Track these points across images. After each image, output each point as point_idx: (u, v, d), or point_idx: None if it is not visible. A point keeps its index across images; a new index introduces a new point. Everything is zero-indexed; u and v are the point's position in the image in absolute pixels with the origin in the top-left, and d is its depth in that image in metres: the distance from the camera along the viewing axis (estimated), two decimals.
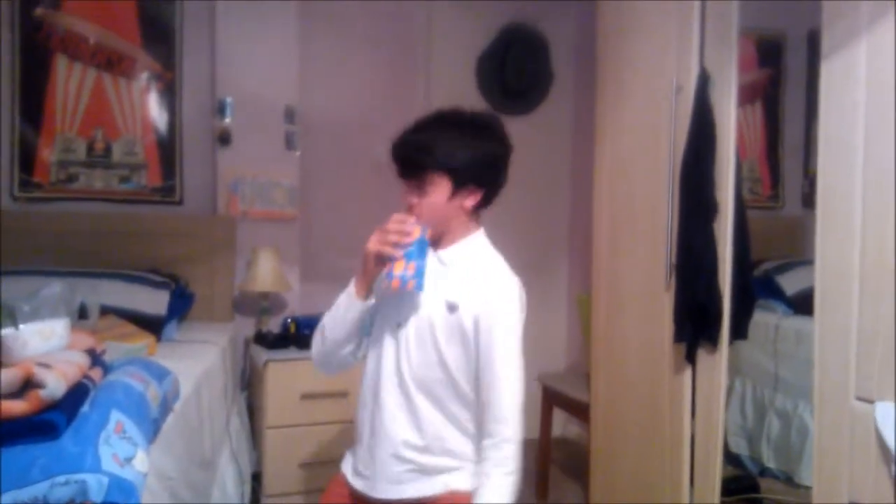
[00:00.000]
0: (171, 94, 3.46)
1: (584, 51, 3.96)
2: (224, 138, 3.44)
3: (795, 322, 2.63)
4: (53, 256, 3.06)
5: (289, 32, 3.52)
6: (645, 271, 2.47)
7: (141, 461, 1.35)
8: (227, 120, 3.44)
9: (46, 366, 1.34)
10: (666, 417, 2.38)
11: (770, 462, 2.66)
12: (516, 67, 4.11)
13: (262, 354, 3.08)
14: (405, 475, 1.65)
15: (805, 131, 2.91)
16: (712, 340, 2.18)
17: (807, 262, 1.83)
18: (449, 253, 1.69)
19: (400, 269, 1.57)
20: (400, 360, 1.66)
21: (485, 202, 1.69)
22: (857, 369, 1.67)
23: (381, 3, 3.81)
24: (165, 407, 1.78)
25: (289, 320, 3.27)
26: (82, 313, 2.52)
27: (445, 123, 1.65)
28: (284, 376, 3.02)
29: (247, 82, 3.46)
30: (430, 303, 1.65)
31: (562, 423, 4.08)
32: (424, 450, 1.64)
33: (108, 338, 2.19)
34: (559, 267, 4.27)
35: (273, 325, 3.40)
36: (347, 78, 3.76)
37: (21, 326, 1.53)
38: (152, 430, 1.59)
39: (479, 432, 1.63)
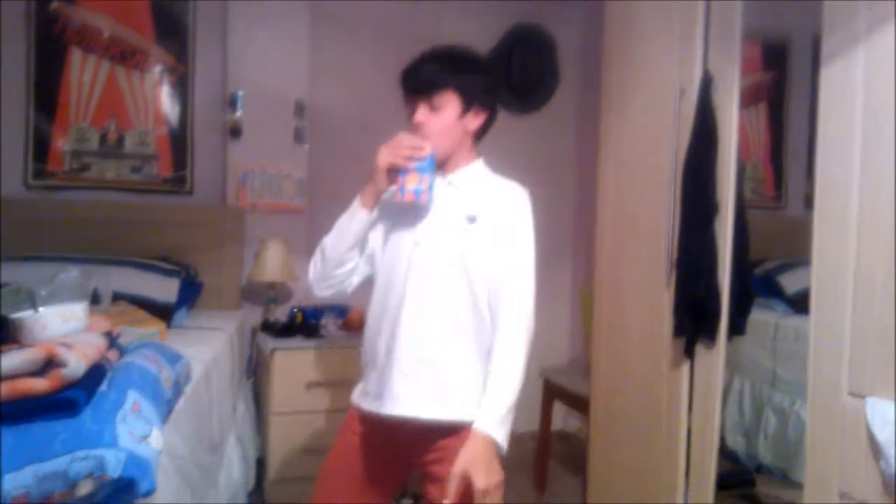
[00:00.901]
0: (183, 87, 3.52)
1: (590, 52, 4.00)
2: (235, 131, 3.49)
3: (795, 321, 2.67)
4: (66, 244, 3.12)
5: (300, 28, 3.57)
6: (646, 267, 2.52)
7: (156, 439, 1.40)
8: (238, 113, 3.50)
9: (68, 346, 1.39)
10: (664, 411, 2.43)
11: (766, 458, 2.70)
12: (522, 66, 4.16)
13: (268, 343, 3.13)
14: (418, 395, 1.66)
15: (809, 132, 2.96)
16: (710, 336, 2.22)
17: (808, 262, 1.86)
18: (457, 176, 1.75)
19: (414, 183, 1.63)
20: (421, 279, 1.68)
21: (484, 128, 1.77)
22: (850, 366, 1.72)
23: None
24: (177, 389, 1.83)
25: (295, 310, 3.32)
26: (94, 299, 2.57)
27: (453, 50, 1.74)
28: (290, 364, 3.08)
29: (258, 76, 3.51)
30: (449, 219, 1.69)
31: (562, 417, 4.12)
32: (439, 372, 1.66)
33: (119, 323, 2.24)
34: (564, 262, 4.32)
35: (280, 315, 3.46)
36: (356, 73, 3.80)
37: (41, 309, 1.58)
38: (165, 410, 1.65)
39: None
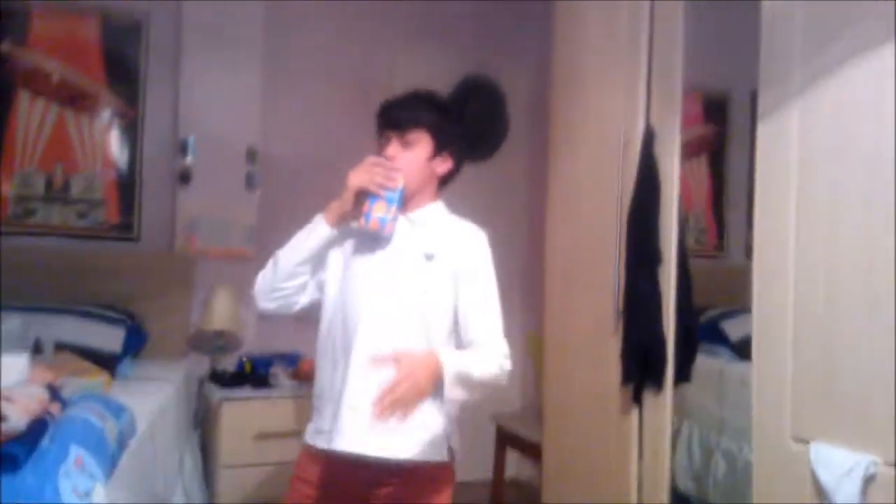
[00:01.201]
0: (132, 132, 3.48)
1: (539, 104, 4.10)
2: (185, 177, 3.46)
3: (739, 367, 2.72)
4: (7, 292, 3.01)
5: (253, 73, 3.58)
6: (594, 315, 2.56)
7: (99, 495, 1.36)
8: (189, 158, 3.47)
9: (8, 399, 1.35)
10: (614, 458, 2.45)
11: (717, 503, 2.73)
12: (474, 115, 4.23)
13: (216, 393, 3.07)
14: (365, 431, 1.60)
15: (748, 184, 3.07)
16: (658, 383, 2.27)
17: (750, 309, 1.92)
18: (417, 214, 1.76)
19: (381, 212, 1.64)
20: (375, 311, 1.67)
21: (450, 176, 1.82)
22: (793, 411, 1.77)
23: (346, 47, 3.90)
24: (122, 443, 1.79)
25: (244, 359, 3.27)
26: (36, 349, 2.50)
27: (433, 96, 1.81)
28: (239, 415, 3.02)
29: (210, 122, 3.49)
30: (405, 256, 1.70)
31: (515, 465, 4.10)
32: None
33: (62, 374, 2.18)
34: (512, 308, 4.33)
35: (228, 364, 3.39)
36: (310, 119, 3.81)
37: None
38: (109, 464, 1.61)
39: None
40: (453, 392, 1.59)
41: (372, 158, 1.69)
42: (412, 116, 1.74)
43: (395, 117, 1.74)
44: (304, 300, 1.77)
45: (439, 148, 1.76)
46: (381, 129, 1.77)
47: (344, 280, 1.74)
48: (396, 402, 1.49)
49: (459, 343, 1.73)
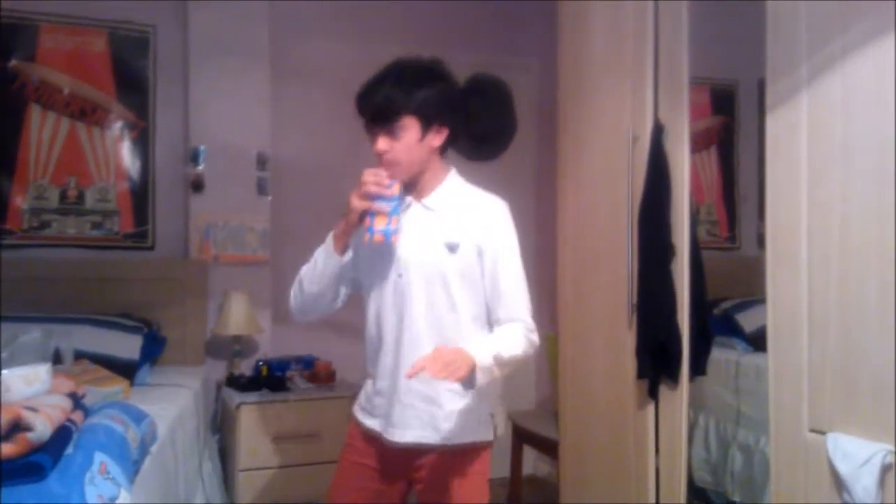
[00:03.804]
0: (144, 143, 3.51)
1: (546, 102, 4.10)
2: (197, 185, 3.49)
3: (755, 358, 2.72)
4: (25, 303, 3.05)
5: (261, 81, 3.60)
6: (608, 310, 2.56)
7: (124, 501, 1.38)
8: (201, 167, 3.50)
9: (33, 409, 1.38)
10: (631, 453, 2.45)
11: (734, 495, 2.72)
12: (481, 115, 4.23)
13: (234, 397, 3.09)
14: (419, 424, 1.71)
15: (759, 174, 3.06)
16: (673, 377, 2.27)
17: (764, 300, 1.92)
18: (432, 199, 1.76)
19: (382, 224, 1.62)
20: (406, 309, 1.70)
21: (450, 141, 1.78)
22: (809, 402, 1.76)
23: (352, 52, 3.92)
24: (144, 449, 1.81)
25: (260, 363, 3.29)
26: (56, 358, 2.53)
27: (405, 70, 1.71)
28: (257, 419, 3.04)
29: (219, 130, 3.53)
30: (430, 248, 1.70)
31: (532, 462, 4.11)
32: (442, 404, 1.70)
33: (82, 382, 2.21)
34: None
35: (245, 368, 3.41)
36: (319, 124, 3.82)
37: (4, 372, 1.56)
38: (132, 470, 1.63)
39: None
40: (485, 379, 1.59)
41: (365, 173, 1.66)
42: (393, 106, 1.66)
43: (376, 111, 1.68)
44: (338, 304, 1.83)
45: (428, 123, 1.70)
46: (366, 122, 1.72)
47: (374, 280, 1.77)
48: (439, 363, 1.48)
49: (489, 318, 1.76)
